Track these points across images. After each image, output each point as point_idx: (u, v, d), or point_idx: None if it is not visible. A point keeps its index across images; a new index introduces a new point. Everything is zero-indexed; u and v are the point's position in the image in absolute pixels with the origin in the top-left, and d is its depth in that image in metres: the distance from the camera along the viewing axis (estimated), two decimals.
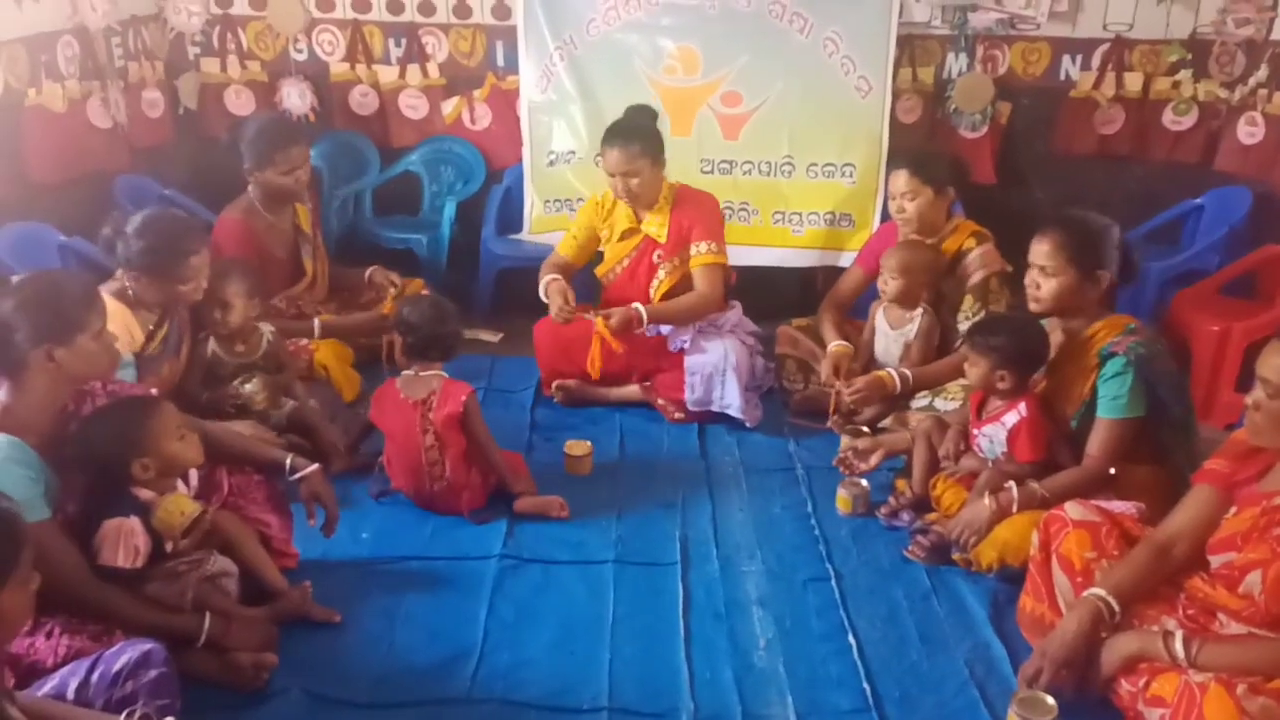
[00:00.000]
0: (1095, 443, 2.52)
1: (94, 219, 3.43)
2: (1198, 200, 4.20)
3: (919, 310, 3.29)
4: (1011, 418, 2.64)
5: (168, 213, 2.87)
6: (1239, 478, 2.08)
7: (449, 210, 4.36)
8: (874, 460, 2.93)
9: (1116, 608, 2.06)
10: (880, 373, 3.18)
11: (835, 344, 3.37)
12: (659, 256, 3.46)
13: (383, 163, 4.53)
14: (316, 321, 3.42)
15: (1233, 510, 2.07)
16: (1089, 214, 2.69)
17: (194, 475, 2.26)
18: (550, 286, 3.44)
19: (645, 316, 3.33)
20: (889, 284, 3.28)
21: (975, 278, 3.23)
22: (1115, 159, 4.37)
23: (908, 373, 3.17)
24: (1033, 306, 2.68)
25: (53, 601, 1.91)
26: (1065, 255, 2.57)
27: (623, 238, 3.52)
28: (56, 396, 2.10)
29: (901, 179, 3.29)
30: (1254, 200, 3.95)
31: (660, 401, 3.46)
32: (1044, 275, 2.61)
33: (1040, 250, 2.61)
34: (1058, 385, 2.68)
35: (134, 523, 2.05)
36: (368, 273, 3.79)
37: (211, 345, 2.97)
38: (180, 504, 2.11)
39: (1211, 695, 1.80)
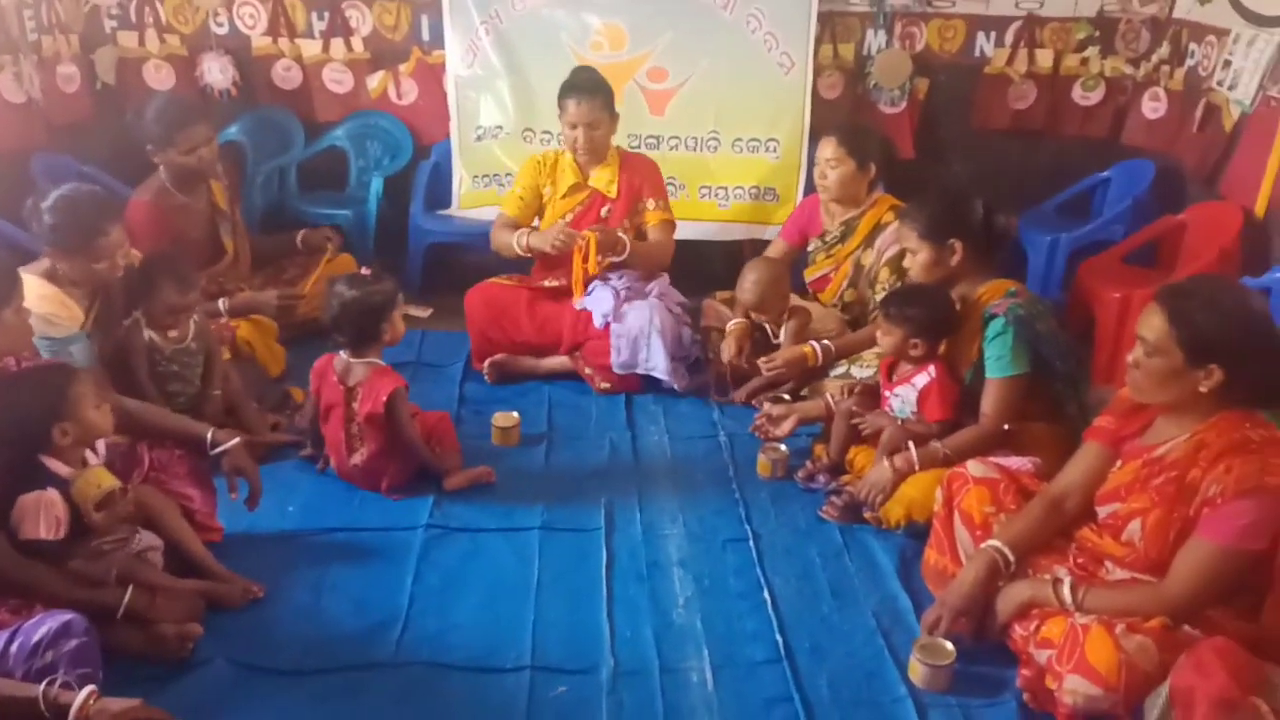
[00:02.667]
0: (988, 402, 2.64)
1: (10, 197, 3.38)
2: (1105, 173, 4.38)
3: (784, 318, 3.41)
4: (921, 379, 2.76)
5: (83, 189, 2.79)
6: (1124, 433, 2.21)
7: (376, 186, 4.34)
8: (787, 426, 3.03)
9: (1012, 558, 2.19)
10: (804, 347, 3.27)
11: (733, 322, 3.45)
12: (608, 211, 3.55)
13: (308, 138, 4.50)
14: (221, 301, 3.34)
15: (1118, 464, 2.20)
16: (944, 190, 2.94)
17: (101, 446, 2.25)
18: (533, 233, 3.54)
19: (628, 244, 3.46)
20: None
21: (891, 251, 3.32)
22: (1029, 133, 4.51)
23: (830, 345, 3.27)
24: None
25: None
26: (916, 233, 2.78)
27: (567, 194, 3.57)
28: None
29: (829, 147, 3.39)
30: (1156, 172, 4.12)
31: (588, 370, 3.51)
32: (910, 254, 2.84)
33: (899, 233, 2.90)
34: (951, 347, 2.80)
35: (53, 494, 2.05)
36: (299, 236, 3.78)
37: (147, 333, 2.87)
38: (99, 476, 2.11)
39: (1093, 635, 1.92)
